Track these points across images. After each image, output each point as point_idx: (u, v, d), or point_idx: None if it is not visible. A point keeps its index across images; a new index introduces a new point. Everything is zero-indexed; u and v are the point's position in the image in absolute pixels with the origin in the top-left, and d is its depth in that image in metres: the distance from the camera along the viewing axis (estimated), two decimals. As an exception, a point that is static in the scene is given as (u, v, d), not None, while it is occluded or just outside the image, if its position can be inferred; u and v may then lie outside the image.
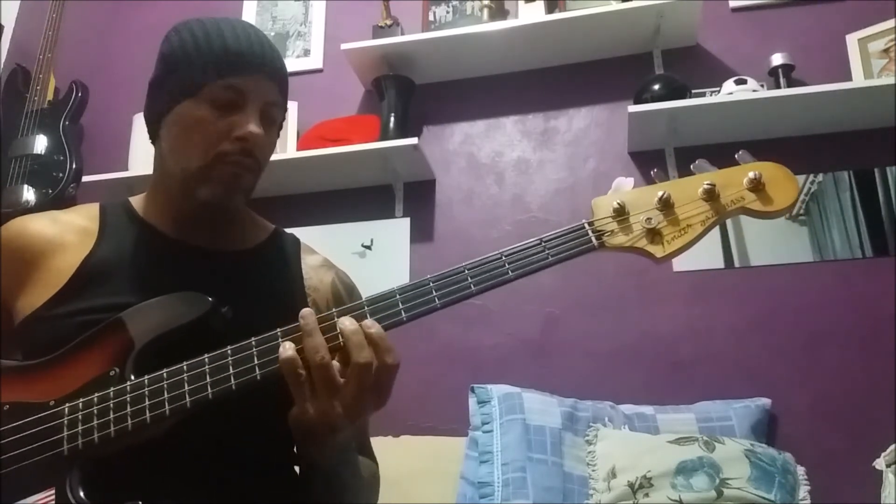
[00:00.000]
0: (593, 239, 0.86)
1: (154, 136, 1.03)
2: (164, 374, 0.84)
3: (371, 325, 0.82)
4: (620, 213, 0.86)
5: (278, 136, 1.07)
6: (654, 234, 0.85)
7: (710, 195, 0.85)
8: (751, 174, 0.85)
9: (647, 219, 0.85)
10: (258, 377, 0.83)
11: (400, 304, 0.84)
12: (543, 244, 0.86)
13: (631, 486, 1.73)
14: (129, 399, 0.84)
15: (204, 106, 0.96)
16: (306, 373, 0.80)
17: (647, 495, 1.70)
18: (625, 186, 0.89)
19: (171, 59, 0.99)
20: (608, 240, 0.86)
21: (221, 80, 0.95)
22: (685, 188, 0.86)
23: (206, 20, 1.00)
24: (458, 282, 0.85)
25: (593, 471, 1.82)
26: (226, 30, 0.98)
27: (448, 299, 0.84)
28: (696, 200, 0.86)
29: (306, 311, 0.83)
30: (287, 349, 0.81)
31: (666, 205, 0.85)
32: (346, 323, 0.82)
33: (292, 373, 0.80)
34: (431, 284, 0.85)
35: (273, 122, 1.02)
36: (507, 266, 0.85)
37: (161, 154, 1.02)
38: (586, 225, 0.87)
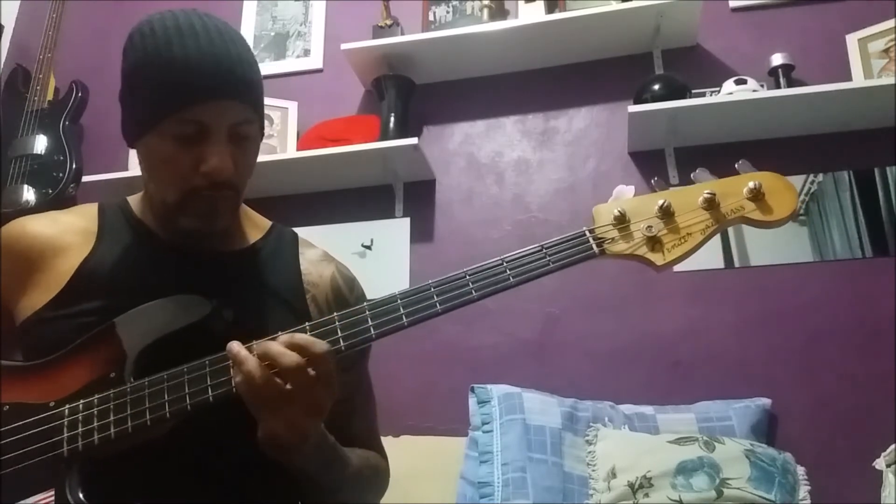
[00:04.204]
0: (594, 246, 0.86)
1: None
2: (165, 377, 0.85)
3: (284, 339, 0.82)
4: (621, 221, 0.87)
5: (262, 138, 1.02)
6: (654, 242, 0.85)
7: (711, 204, 0.86)
8: (751, 184, 0.86)
9: (648, 227, 0.86)
10: None
11: (401, 309, 0.85)
12: (545, 250, 0.86)
13: (631, 486, 1.73)
14: (129, 401, 0.84)
15: (167, 140, 0.91)
16: (260, 394, 0.80)
17: (647, 495, 1.70)
18: (625, 194, 0.89)
19: (129, 79, 0.94)
20: (609, 247, 0.86)
21: (179, 113, 0.89)
22: (685, 197, 0.87)
23: (162, 25, 0.91)
24: (459, 287, 0.85)
25: (593, 471, 1.82)
26: (177, 45, 0.89)
27: (449, 305, 0.85)
28: (696, 209, 0.86)
29: (231, 345, 0.82)
30: (239, 383, 0.80)
31: (666, 213, 0.86)
32: (262, 348, 0.81)
33: (249, 401, 0.80)
34: (433, 289, 0.85)
35: (246, 139, 0.96)
36: (508, 272, 0.85)
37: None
38: (587, 232, 0.87)
